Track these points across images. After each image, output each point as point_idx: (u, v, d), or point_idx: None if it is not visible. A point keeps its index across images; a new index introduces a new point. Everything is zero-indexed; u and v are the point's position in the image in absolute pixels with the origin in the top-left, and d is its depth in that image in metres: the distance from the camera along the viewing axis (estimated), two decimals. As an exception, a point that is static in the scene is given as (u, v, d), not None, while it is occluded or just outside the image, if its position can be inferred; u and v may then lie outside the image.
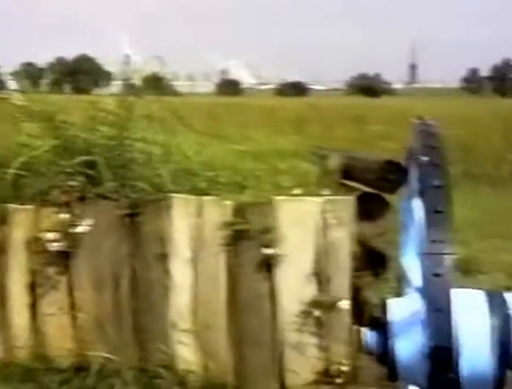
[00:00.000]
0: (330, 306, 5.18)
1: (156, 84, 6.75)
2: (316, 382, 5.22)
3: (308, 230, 5.20)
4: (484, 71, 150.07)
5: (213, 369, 5.35)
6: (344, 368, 5.19)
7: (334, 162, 6.21)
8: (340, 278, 5.22)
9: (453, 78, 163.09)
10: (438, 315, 2.38)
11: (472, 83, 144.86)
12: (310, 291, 5.20)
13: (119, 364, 5.42)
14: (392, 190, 5.82)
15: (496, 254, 6.85)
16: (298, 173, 7.65)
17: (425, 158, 2.70)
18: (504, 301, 3.07)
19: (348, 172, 6.17)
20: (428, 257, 2.43)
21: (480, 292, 3.04)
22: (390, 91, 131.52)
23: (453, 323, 2.40)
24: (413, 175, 3.22)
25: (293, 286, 5.21)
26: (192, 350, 5.39)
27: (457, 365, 2.38)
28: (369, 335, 2.87)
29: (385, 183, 5.81)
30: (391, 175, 5.75)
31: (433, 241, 2.44)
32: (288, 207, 5.26)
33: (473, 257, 6.91)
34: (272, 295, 5.24)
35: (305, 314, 5.20)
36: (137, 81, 6.52)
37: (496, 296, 3.09)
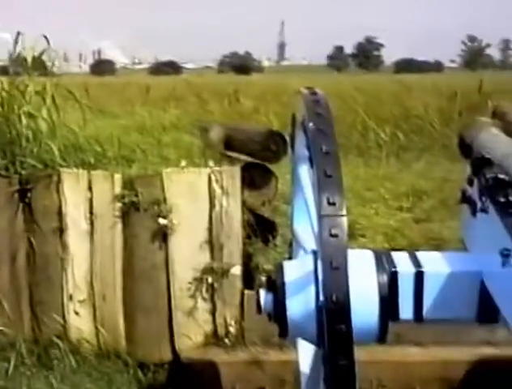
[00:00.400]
0: (223, 273, 5.22)
1: (39, 64, 6.60)
2: (205, 344, 5.29)
3: (198, 200, 5.21)
4: (349, 49, 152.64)
5: (107, 337, 5.34)
6: (232, 330, 5.27)
7: (217, 134, 6.23)
8: (232, 245, 5.28)
9: (319, 55, 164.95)
10: (335, 273, 2.43)
11: (337, 61, 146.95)
12: (203, 259, 5.24)
13: (14, 337, 5.35)
14: (275, 159, 5.90)
15: (373, 218, 6.99)
16: (182, 146, 7.67)
17: (313, 125, 2.76)
18: (391, 260, 3.19)
19: (231, 143, 6.21)
20: (325, 219, 2.48)
21: (368, 251, 3.16)
22: (259, 69, 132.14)
23: (348, 280, 2.45)
24: (300, 143, 3.26)
25: (187, 255, 5.23)
26: (87, 320, 5.37)
27: (348, 317, 2.43)
28: (264, 297, 2.94)
29: (268, 153, 5.85)
30: (274, 145, 5.81)
31: (329, 204, 2.49)
32: (177, 178, 5.25)
33: (354, 221, 7.06)
34: (167, 264, 5.25)
35: (199, 280, 5.23)
36: (22, 60, 6.37)
37: (383, 255, 3.21)
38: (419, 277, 3.05)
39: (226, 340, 5.25)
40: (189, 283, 5.24)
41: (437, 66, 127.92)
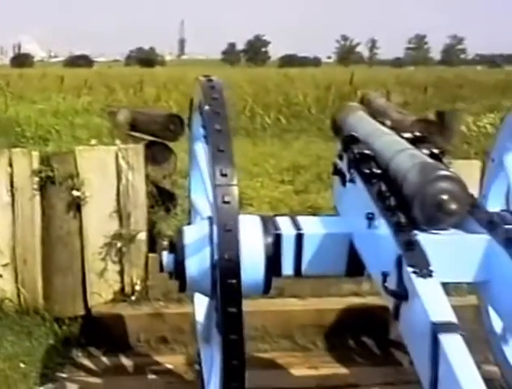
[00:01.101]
0: (130, 238, 5.22)
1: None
2: (113, 301, 5.28)
3: (107, 175, 5.17)
4: (241, 45, 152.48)
5: (27, 296, 5.26)
6: (138, 288, 5.25)
7: (123, 117, 6.22)
8: (138, 214, 5.27)
9: (215, 51, 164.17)
10: (228, 234, 2.48)
11: (231, 56, 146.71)
12: (113, 226, 5.22)
13: None
14: (174, 138, 5.95)
15: (259, 190, 7.04)
16: (92, 127, 7.56)
17: (209, 107, 2.80)
18: (276, 224, 3.24)
19: (135, 124, 6.23)
20: (219, 188, 2.53)
21: (256, 216, 3.24)
22: (162, 63, 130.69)
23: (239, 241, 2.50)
24: (197, 123, 3.27)
25: (98, 223, 5.20)
26: (10, 282, 5.28)
27: (238, 273, 2.48)
28: (166, 257, 3.01)
29: (168, 133, 5.90)
30: (173, 126, 5.85)
31: (221, 175, 2.54)
32: (88, 155, 5.20)
33: (242, 193, 7.08)
34: (80, 231, 5.21)
35: (109, 245, 5.21)
36: None
37: (269, 220, 3.26)
38: (299, 238, 3.16)
39: (132, 297, 5.24)
40: (101, 247, 5.22)
41: (315, 62, 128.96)
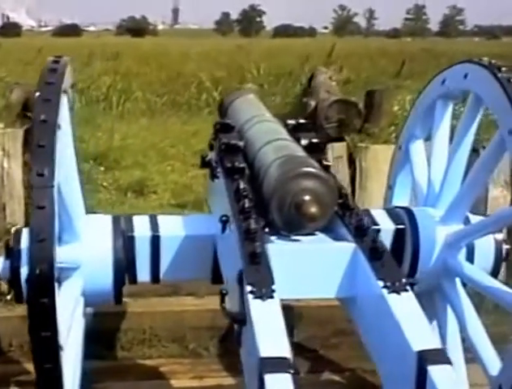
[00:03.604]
0: (6, 232, 4.84)
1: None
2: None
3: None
4: (235, 15, 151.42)
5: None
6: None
7: (16, 96, 5.86)
8: (14, 205, 4.97)
9: (209, 21, 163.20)
10: (41, 245, 2.16)
11: (223, 26, 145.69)
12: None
13: None
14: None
15: (168, 175, 6.70)
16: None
17: (38, 93, 2.43)
18: (130, 225, 2.89)
19: (29, 105, 5.86)
20: (33, 190, 2.22)
21: (107, 216, 2.95)
22: (154, 32, 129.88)
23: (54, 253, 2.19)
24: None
25: None
26: None
27: (52, 291, 2.17)
28: (2, 264, 2.68)
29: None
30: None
31: (37, 175, 2.21)
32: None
33: (148, 178, 6.82)
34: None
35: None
36: None
37: (123, 220, 2.93)
38: (155, 241, 2.90)
39: (8, 296, 4.85)
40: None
41: (310, 32, 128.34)
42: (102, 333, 4.67)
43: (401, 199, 3.43)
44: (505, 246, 3.03)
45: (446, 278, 2.93)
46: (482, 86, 2.77)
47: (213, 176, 3.00)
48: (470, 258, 2.97)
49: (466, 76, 2.90)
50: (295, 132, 3.06)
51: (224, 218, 2.59)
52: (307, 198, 2.44)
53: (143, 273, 2.93)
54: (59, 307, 2.38)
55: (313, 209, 2.42)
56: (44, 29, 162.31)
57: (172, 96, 13.47)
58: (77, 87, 14.65)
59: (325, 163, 2.83)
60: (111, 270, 2.77)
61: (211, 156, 3.09)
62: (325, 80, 7.33)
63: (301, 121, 3.16)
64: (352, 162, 5.27)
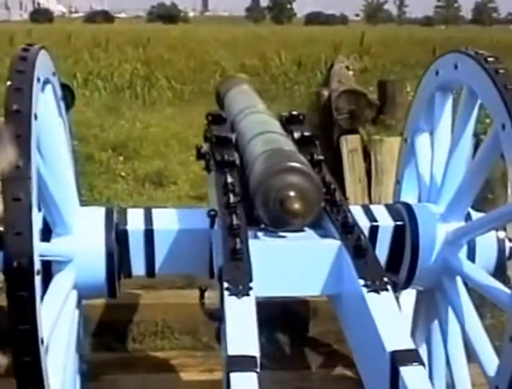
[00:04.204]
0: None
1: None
2: None
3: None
4: (265, 2, 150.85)
5: None
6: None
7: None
8: None
9: (239, 8, 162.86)
10: (19, 238, 2.11)
11: (255, 13, 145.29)
12: None
13: None
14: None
15: (190, 165, 6.63)
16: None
17: (9, 83, 2.36)
18: (124, 218, 2.87)
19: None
20: (9, 182, 2.15)
21: (101, 209, 2.87)
22: (185, 19, 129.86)
23: (34, 245, 2.14)
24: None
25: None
26: None
27: (31, 284, 2.13)
28: None
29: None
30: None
31: (15, 167, 2.14)
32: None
33: (170, 168, 6.76)
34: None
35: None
36: None
37: (117, 213, 2.88)
38: (148, 234, 2.84)
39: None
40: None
41: (342, 19, 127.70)
42: (113, 325, 4.69)
43: (409, 194, 3.34)
44: (509, 244, 2.96)
45: (447, 276, 2.87)
46: (472, 77, 2.69)
47: (207, 168, 2.96)
48: (471, 256, 2.90)
49: (456, 67, 2.82)
50: (288, 124, 3.01)
51: (212, 212, 2.57)
52: (291, 193, 2.41)
53: (138, 267, 2.88)
54: (47, 300, 2.38)
55: (297, 205, 2.38)
56: (75, 15, 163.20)
57: (198, 85, 13.40)
58: (99, 74, 14.73)
59: (316, 157, 2.78)
60: (103, 263, 2.72)
61: (206, 147, 3.03)
62: (340, 69, 7.19)
63: (294, 112, 3.08)
64: (367, 155, 5.19)
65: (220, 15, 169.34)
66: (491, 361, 2.65)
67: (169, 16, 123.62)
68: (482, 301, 2.81)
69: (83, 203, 3.05)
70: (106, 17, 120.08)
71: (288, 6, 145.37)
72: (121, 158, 7.84)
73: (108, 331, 4.70)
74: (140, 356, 4.59)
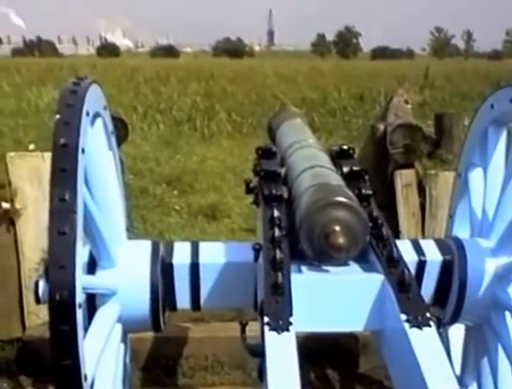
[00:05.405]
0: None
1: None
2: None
3: (43, 184, 4.85)
4: (330, 36, 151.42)
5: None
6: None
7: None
8: None
9: (304, 42, 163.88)
10: (61, 271, 2.13)
11: (320, 47, 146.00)
12: (49, 241, 4.91)
13: None
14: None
15: (245, 198, 6.64)
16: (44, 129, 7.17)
17: (58, 116, 2.37)
18: (170, 251, 2.90)
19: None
20: (54, 215, 2.17)
21: (147, 242, 2.89)
22: (251, 54, 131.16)
23: (76, 278, 2.15)
24: None
25: (34, 237, 4.89)
26: None
27: (73, 317, 2.14)
28: (43, 287, 2.57)
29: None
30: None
31: (59, 200, 2.18)
32: (21, 162, 4.87)
33: (224, 202, 6.78)
34: (16, 245, 4.90)
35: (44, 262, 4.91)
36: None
37: (163, 246, 2.90)
38: (194, 268, 2.86)
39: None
40: (38, 263, 4.91)
41: (408, 54, 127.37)
42: (163, 359, 4.71)
43: (461, 229, 3.32)
44: None
45: (495, 311, 2.82)
46: None
47: (256, 202, 2.97)
48: None
49: (511, 100, 2.80)
50: (338, 159, 3.01)
51: (256, 246, 2.57)
52: (336, 228, 2.40)
53: (183, 300, 2.90)
54: (91, 333, 2.40)
55: (342, 240, 2.38)
56: (141, 50, 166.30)
57: (257, 118, 13.48)
58: (158, 107, 14.92)
59: (365, 192, 2.77)
60: (148, 296, 2.73)
61: (255, 181, 3.04)
62: (399, 103, 7.12)
63: (344, 146, 3.09)
64: (422, 190, 5.15)
65: (286, 50, 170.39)
66: None
67: (235, 51, 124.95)
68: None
69: (135, 237, 3.11)
70: (171, 52, 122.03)
71: (354, 40, 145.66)
72: (176, 192, 7.91)
73: (158, 365, 4.73)
74: (191, 392, 4.61)
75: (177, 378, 4.72)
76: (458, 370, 3.24)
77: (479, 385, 3.12)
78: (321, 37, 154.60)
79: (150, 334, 4.47)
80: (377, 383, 4.58)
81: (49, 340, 2.15)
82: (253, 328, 4.73)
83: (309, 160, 2.93)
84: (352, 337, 4.70)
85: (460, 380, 3.11)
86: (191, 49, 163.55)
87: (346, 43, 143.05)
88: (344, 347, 4.67)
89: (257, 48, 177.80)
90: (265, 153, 3.07)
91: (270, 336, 2.09)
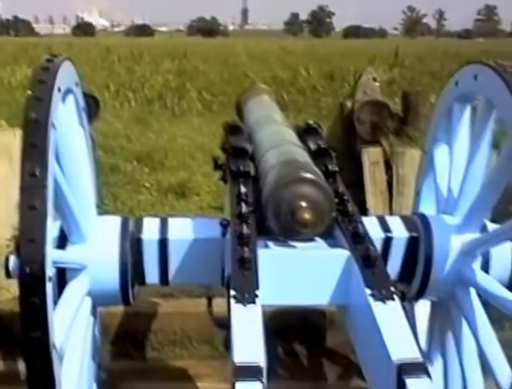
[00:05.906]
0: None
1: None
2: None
3: (14, 161, 4.81)
4: (304, 16, 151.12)
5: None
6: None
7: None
8: None
9: (278, 22, 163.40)
10: (31, 245, 2.14)
11: (293, 26, 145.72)
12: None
13: None
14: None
15: (214, 176, 6.65)
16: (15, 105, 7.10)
17: (29, 92, 2.38)
18: (140, 227, 2.89)
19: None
20: (25, 190, 2.18)
21: (117, 218, 2.90)
22: (225, 33, 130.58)
23: (46, 252, 2.16)
24: None
25: (4, 214, 4.86)
26: None
27: (43, 290, 2.15)
28: (13, 262, 2.55)
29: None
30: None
31: (30, 175, 2.18)
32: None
33: (194, 180, 6.79)
34: (-14, 223, 4.86)
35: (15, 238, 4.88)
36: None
37: (133, 222, 2.90)
38: (163, 243, 2.87)
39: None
40: (8, 240, 4.87)
41: (381, 33, 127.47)
42: (132, 333, 4.71)
43: (427, 206, 3.32)
44: None
45: (460, 287, 2.84)
46: (490, 88, 2.65)
47: (224, 179, 2.98)
48: (486, 267, 2.87)
49: (476, 77, 2.78)
50: (305, 135, 3.01)
51: (224, 222, 2.60)
52: (302, 204, 2.42)
53: (152, 275, 2.90)
54: (60, 306, 2.41)
55: (308, 216, 2.40)
56: (116, 29, 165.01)
57: (228, 96, 13.47)
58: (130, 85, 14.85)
59: (331, 168, 2.78)
60: (117, 271, 2.74)
61: (223, 158, 3.05)
62: (367, 81, 7.11)
63: (311, 124, 3.10)
64: (389, 167, 5.16)
65: (259, 29, 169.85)
66: (505, 375, 2.62)
67: (209, 30, 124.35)
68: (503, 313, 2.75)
69: (105, 213, 3.10)
70: (146, 31, 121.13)
71: (327, 19, 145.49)
72: (147, 169, 7.91)
73: (127, 339, 4.73)
74: (158, 365, 4.62)
75: (145, 352, 4.73)
76: (424, 346, 3.27)
77: (444, 359, 3.15)
78: (294, 16, 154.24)
79: (120, 308, 4.51)
80: (344, 358, 4.61)
81: (19, 312, 2.16)
82: (221, 304, 4.79)
83: (276, 137, 2.95)
84: (319, 313, 4.72)
85: (426, 355, 3.14)
86: (166, 28, 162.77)
87: (319, 22, 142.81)
88: (312, 322, 4.68)
89: (231, 27, 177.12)
90: (232, 129, 3.08)
91: (237, 309, 2.12)
